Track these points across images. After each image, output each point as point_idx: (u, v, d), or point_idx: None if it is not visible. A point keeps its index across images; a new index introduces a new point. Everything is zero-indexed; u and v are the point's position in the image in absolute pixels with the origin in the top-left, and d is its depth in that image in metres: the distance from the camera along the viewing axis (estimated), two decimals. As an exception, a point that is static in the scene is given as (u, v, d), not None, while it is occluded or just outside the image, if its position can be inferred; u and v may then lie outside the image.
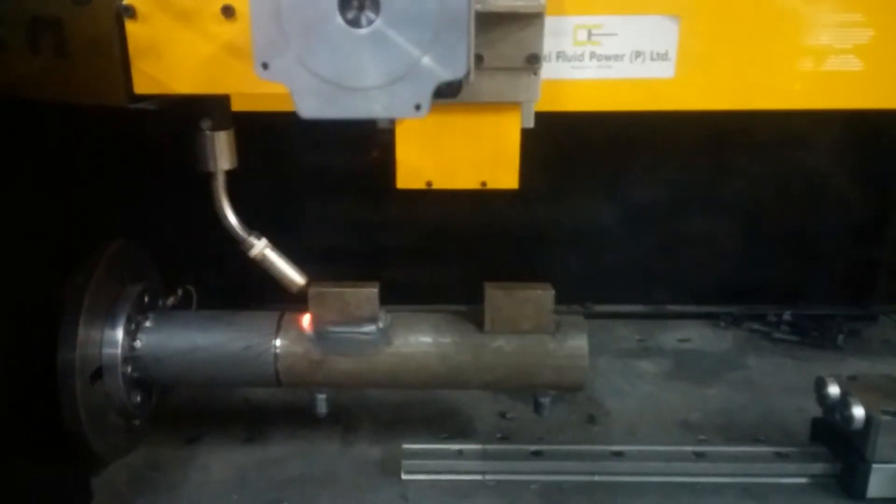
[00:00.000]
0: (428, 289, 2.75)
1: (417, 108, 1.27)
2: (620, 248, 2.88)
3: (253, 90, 1.53)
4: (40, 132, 2.01)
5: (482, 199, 1.98)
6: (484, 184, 1.69)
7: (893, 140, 2.71)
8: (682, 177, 2.82)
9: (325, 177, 2.75)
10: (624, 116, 2.35)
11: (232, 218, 1.80)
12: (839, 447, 1.97)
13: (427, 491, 1.96)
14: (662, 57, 2.36)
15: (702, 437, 2.17)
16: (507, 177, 1.68)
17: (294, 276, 1.85)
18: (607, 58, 2.35)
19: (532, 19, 1.50)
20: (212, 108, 1.69)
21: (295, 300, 2.05)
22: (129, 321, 1.83)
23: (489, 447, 2.05)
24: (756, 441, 2.14)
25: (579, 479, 1.98)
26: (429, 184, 1.69)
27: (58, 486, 1.85)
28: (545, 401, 1.93)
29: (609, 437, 2.18)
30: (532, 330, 1.86)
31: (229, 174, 1.82)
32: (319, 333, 1.85)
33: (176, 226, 2.50)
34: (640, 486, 1.96)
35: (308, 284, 1.86)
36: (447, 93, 1.41)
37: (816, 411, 2.10)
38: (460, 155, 1.67)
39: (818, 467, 1.97)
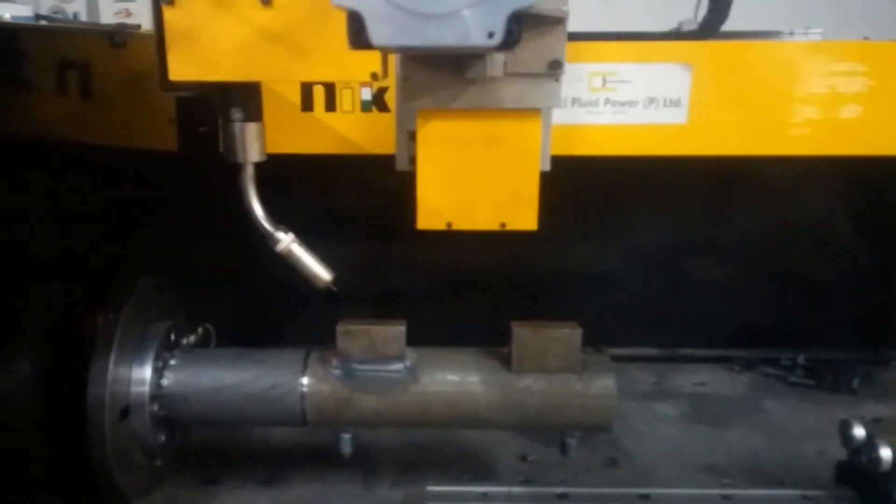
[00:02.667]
0: (436, 331, 2.75)
1: (490, 35, 1.21)
2: (631, 291, 2.90)
3: (288, 77, 1.52)
4: (69, 171, 2.04)
5: (493, 241, 2.00)
6: (503, 225, 1.70)
7: (903, 185, 2.76)
8: (693, 221, 2.85)
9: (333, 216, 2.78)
10: (635, 160, 2.41)
11: (259, 211, 1.78)
12: (865, 490, 1.96)
13: (453, 533, 1.94)
14: (675, 103, 2.42)
15: (726, 480, 2.16)
16: (526, 217, 1.69)
17: (321, 271, 1.82)
18: (621, 104, 2.41)
19: (555, 24, 1.50)
20: (244, 97, 1.67)
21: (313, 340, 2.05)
22: (156, 359, 1.82)
23: (514, 489, 2.03)
24: (780, 484, 2.13)
25: (606, 522, 1.96)
26: (449, 224, 1.70)
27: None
28: (572, 442, 1.92)
29: (633, 480, 2.16)
30: (559, 369, 1.86)
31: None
32: (346, 371, 1.85)
33: (193, 263, 2.52)
34: (668, 530, 1.94)
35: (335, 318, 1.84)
36: (507, 43, 1.29)
37: (838, 454, 2.10)
38: (480, 191, 1.67)
39: (846, 510, 1.96)
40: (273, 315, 2.85)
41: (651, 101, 2.41)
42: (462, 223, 1.74)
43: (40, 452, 1.74)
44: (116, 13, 4.87)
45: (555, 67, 1.53)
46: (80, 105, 2.28)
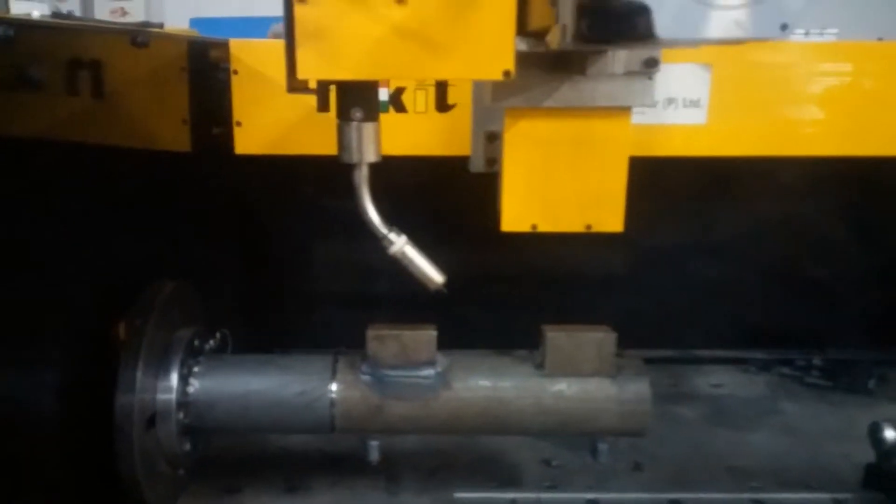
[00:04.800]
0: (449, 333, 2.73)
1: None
2: (645, 293, 2.88)
3: (420, 76, 1.49)
4: (90, 174, 1.98)
5: (504, 241, 1.97)
6: (589, 227, 1.68)
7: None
8: (703, 221, 2.84)
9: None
10: (647, 160, 2.39)
11: (373, 213, 1.72)
12: (897, 492, 1.96)
13: (482, 541, 1.91)
14: (695, 104, 2.40)
15: (754, 483, 2.14)
16: (612, 219, 1.67)
17: (433, 274, 1.76)
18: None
19: None
20: (365, 97, 1.62)
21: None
22: (182, 366, 1.78)
23: (543, 496, 2.01)
24: (808, 487, 2.11)
25: (637, 527, 1.94)
26: (534, 227, 1.68)
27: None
28: (603, 447, 1.90)
29: (659, 484, 2.14)
30: (592, 373, 1.84)
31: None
32: (376, 377, 1.81)
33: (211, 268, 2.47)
34: (700, 535, 1.92)
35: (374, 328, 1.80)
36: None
37: (862, 456, 2.09)
38: (566, 192, 1.66)
39: (877, 513, 1.95)
40: (288, 315, 2.81)
41: (670, 101, 2.40)
42: (547, 225, 1.72)
43: (63, 461, 1.69)
44: (112, 12, 4.80)
45: (650, 65, 1.51)
46: (93, 105, 2.23)
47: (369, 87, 1.62)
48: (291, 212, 2.73)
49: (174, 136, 2.31)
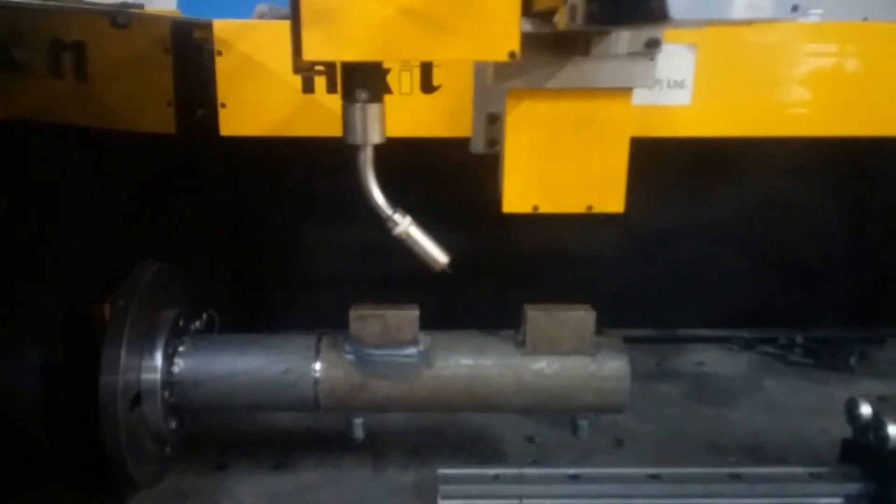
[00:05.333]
0: (434, 313, 2.75)
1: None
2: (629, 273, 2.90)
3: (427, 57, 1.49)
4: (73, 156, 1.99)
5: (490, 221, 1.98)
6: (590, 207, 1.69)
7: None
8: (688, 202, 2.86)
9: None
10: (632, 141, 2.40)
11: (377, 194, 1.72)
12: (873, 467, 1.98)
13: (465, 516, 1.94)
14: (679, 85, 2.41)
15: (732, 459, 2.18)
16: (614, 200, 1.69)
17: (438, 254, 1.77)
18: (624, 85, 2.40)
19: None
20: (370, 78, 1.61)
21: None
22: (166, 345, 1.79)
23: (525, 471, 2.03)
24: (786, 462, 2.15)
25: (618, 502, 1.96)
26: (535, 208, 1.69)
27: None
28: (583, 423, 1.93)
29: (640, 460, 2.18)
30: (573, 352, 1.86)
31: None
32: (359, 356, 1.83)
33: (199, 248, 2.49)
34: (679, 509, 1.96)
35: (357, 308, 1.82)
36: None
37: (840, 432, 2.12)
38: (568, 174, 1.67)
39: (853, 487, 1.98)
40: (271, 299, 2.82)
41: (655, 82, 2.40)
42: (549, 206, 1.73)
43: (48, 441, 1.71)
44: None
45: (652, 46, 1.51)
46: (77, 87, 2.23)
47: (374, 68, 1.62)
48: (279, 194, 2.74)
49: (159, 118, 2.32)
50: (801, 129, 2.46)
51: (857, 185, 2.83)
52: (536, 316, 1.85)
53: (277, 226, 2.79)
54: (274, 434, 2.28)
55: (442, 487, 1.97)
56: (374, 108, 1.63)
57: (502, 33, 1.42)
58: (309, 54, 1.44)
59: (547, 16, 1.45)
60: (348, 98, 1.63)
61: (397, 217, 1.74)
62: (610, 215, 2.82)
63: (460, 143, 2.33)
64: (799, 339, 2.87)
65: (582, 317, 1.85)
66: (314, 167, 2.66)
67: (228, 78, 2.31)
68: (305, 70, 1.53)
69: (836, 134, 2.47)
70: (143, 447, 1.78)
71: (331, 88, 2.35)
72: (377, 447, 2.21)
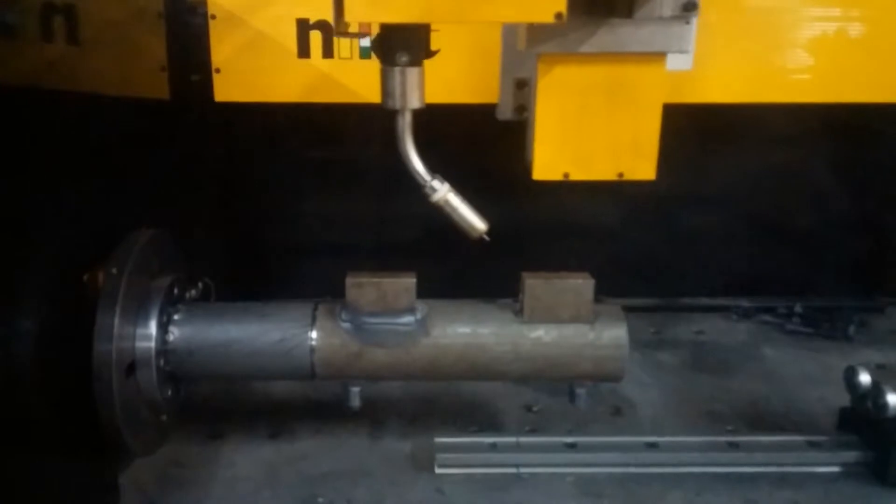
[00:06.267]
0: (432, 283, 2.74)
1: None
2: (629, 242, 2.88)
3: (470, 19, 1.45)
4: (67, 122, 1.96)
5: (487, 191, 1.95)
6: (621, 175, 1.68)
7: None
8: (687, 169, 2.83)
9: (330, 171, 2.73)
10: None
11: (416, 160, 1.69)
12: (871, 435, 1.99)
13: (462, 484, 1.94)
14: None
15: (729, 427, 2.18)
16: (645, 166, 1.67)
17: (476, 221, 1.74)
18: (625, 51, 2.36)
19: None
20: (411, 41, 1.57)
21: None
22: (161, 314, 1.77)
23: (522, 440, 2.04)
24: (784, 430, 2.15)
25: (615, 470, 1.97)
26: (566, 175, 1.67)
27: (87, 486, 1.80)
28: (581, 391, 1.92)
29: (638, 429, 2.18)
30: (571, 320, 1.84)
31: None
32: (356, 325, 1.82)
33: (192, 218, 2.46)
34: (676, 477, 1.96)
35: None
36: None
37: (838, 400, 2.12)
38: (599, 140, 1.65)
39: (850, 455, 1.99)
40: (270, 265, 2.81)
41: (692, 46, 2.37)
42: (579, 173, 1.72)
43: (43, 410, 1.69)
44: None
45: (689, 9, 1.48)
46: (69, 52, 2.19)
47: (416, 31, 1.58)
48: (276, 159, 2.71)
49: (152, 83, 2.29)
50: (803, 96, 2.44)
51: (857, 151, 2.80)
52: (534, 284, 1.83)
53: (274, 194, 2.77)
54: (270, 403, 2.28)
55: (439, 455, 1.98)
56: (413, 72, 1.60)
57: None
58: (351, 15, 1.42)
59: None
60: (388, 61, 1.59)
61: (436, 184, 1.71)
62: (607, 183, 2.82)
63: (461, 110, 2.30)
64: (798, 307, 2.86)
65: (580, 285, 1.83)
66: (310, 133, 2.64)
67: (223, 42, 2.27)
68: (346, 34, 1.50)
69: (839, 100, 2.44)
70: (139, 416, 1.77)
71: (327, 53, 2.33)
72: (374, 416, 2.20)
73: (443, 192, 1.71)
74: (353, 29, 1.58)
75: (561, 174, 1.69)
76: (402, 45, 1.56)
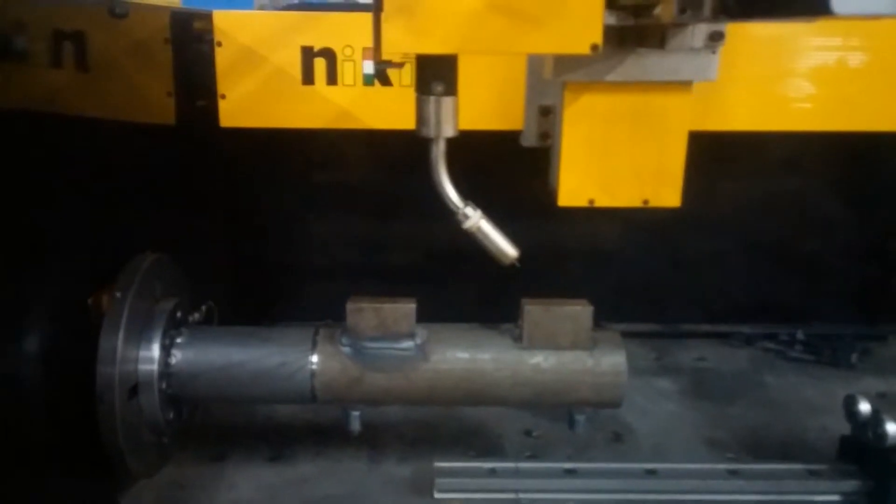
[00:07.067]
0: (435, 307, 2.75)
1: None
2: (630, 267, 2.89)
3: (510, 50, 1.50)
4: (73, 146, 1.99)
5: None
6: (646, 202, 1.70)
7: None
8: (689, 195, 2.84)
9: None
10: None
11: (449, 188, 1.69)
12: (870, 465, 1.98)
13: (461, 510, 1.94)
14: (680, 79, 2.39)
15: (730, 455, 2.18)
16: (670, 194, 1.68)
17: (507, 248, 1.74)
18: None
19: None
20: (445, 70, 1.59)
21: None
22: (164, 337, 1.79)
23: (522, 465, 2.04)
24: (784, 459, 2.14)
25: (614, 497, 1.97)
26: (591, 202, 1.70)
27: (88, 505, 1.81)
28: (580, 418, 1.92)
29: (638, 455, 2.18)
30: (570, 346, 1.85)
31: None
32: (356, 349, 1.83)
33: (196, 241, 2.49)
34: (676, 504, 1.96)
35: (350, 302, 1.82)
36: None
37: (839, 429, 2.11)
38: (625, 167, 1.67)
39: (850, 485, 1.98)
40: (273, 288, 2.83)
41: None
42: (604, 200, 1.74)
43: (47, 432, 1.71)
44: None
45: (715, 39, 1.50)
46: (78, 78, 2.23)
47: (450, 61, 1.60)
48: (280, 184, 2.74)
49: (159, 108, 2.32)
50: (804, 124, 2.45)
51: (860, 178, 2.81)
52: (534, 310, 1.85)
53: (278, 217, 2.80)
54: (272, 426, 2.29)
55: (438, 480, 1.98)
56: (448, 102, 1.62)
57: (586, 26, 1.41)
58: (389, 46, 1.44)
59: (632, 9, 1.46)
60: (423, 90, 1.61)
61: (468, 211, 1.72)
62: (608, 208, 2.84)
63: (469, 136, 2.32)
64: (800, 334, 2.86)
65: (579, 311, 1.84)
66: (313, 159, 2.67)
67: (228, 69, 2.31)
68: (385, 63, 1.53)
69: (841, 129, 2.45)
70: (141, 438, 1.78)
71: (331, 80, 2.36)
72: (374, 440, 2.21)
73: (475, 219, 1.72)
74: (395, 59, 1.60)
75: (586, 200, 1.72)
76: (437, 74, 1.59)
